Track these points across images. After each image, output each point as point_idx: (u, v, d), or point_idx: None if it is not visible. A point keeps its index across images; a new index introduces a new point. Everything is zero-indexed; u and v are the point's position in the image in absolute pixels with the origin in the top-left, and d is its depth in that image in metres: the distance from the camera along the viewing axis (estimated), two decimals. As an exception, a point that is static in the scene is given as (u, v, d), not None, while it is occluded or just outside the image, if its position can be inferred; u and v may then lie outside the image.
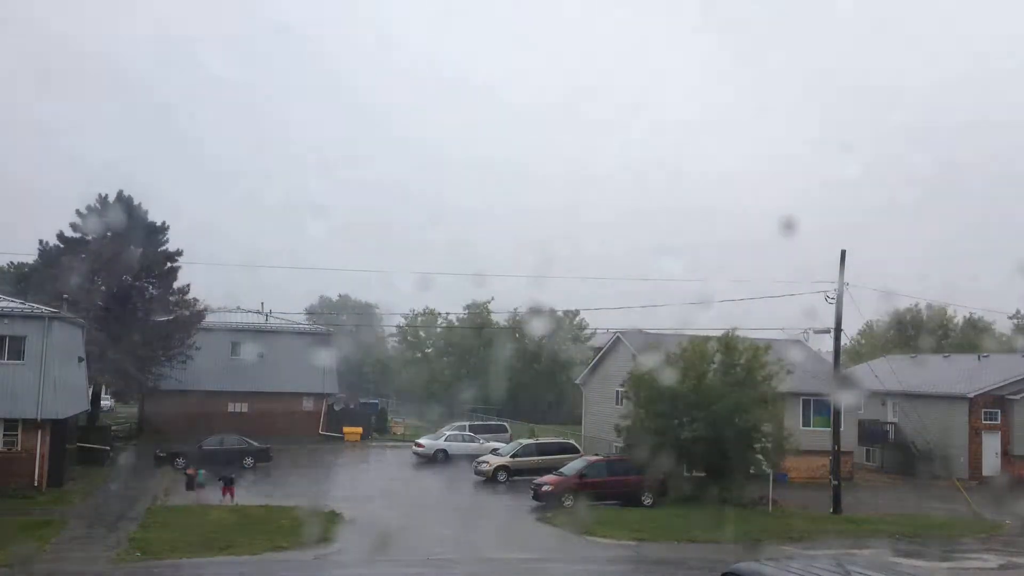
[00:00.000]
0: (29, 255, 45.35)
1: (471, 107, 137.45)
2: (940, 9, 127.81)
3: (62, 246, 42.24)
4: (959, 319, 71.24)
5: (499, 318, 69.95)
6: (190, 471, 30.59)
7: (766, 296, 30.02)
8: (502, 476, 35.49)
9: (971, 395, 40.40)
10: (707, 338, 32.53)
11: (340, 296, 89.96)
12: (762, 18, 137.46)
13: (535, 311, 70.11)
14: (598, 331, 61.66)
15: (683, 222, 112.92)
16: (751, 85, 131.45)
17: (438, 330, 78.45)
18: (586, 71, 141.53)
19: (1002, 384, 40.63)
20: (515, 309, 71.61)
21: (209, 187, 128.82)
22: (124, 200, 43.63)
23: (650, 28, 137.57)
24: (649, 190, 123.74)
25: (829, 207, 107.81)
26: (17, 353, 29.22)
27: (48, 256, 42.43)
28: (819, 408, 38.01)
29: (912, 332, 69.20)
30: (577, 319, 69.96)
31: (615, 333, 44.90)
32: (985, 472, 39.66)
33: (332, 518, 25.09)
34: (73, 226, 42.51)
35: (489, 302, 68.92)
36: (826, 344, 33.76)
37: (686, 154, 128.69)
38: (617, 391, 35.78)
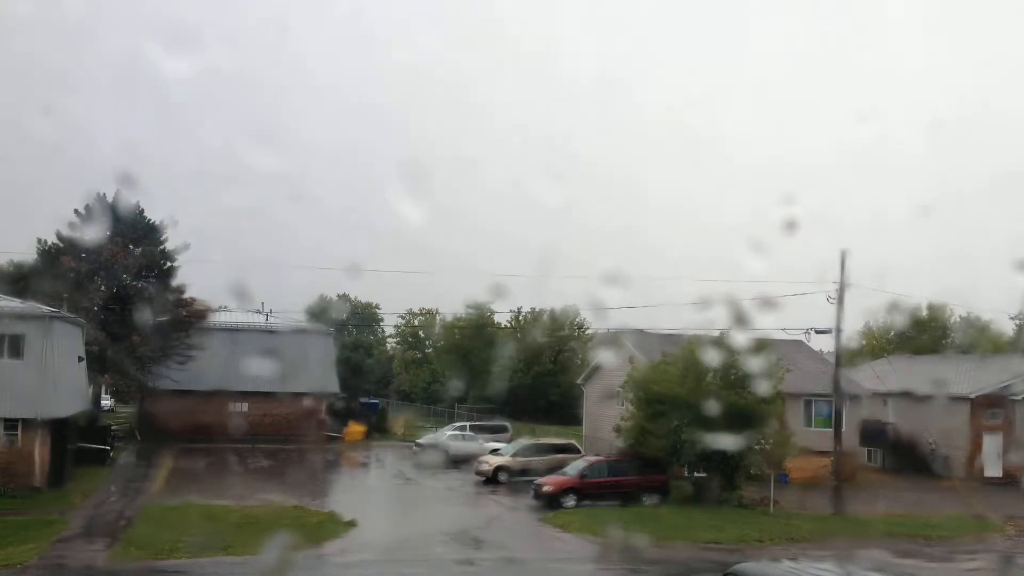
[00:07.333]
0: (28, 254, 45.36)
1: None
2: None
3: (61, 245, 42.24)
4: (958, 319, 71.24)
5: (500, 318, 70.12)
6: None
7: (767, 296, 29.89)
8: (502, 476, 35.38)
9: (972, 395, 40.31)
10: (705, 338, 32.46)
11: (340, 295, 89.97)
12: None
13: (536, 311, 70.62)
14: (599, 331, 61.69)
15: (682, 221, 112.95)
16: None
17: (437, 330, 78.53)
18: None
19: (1003, 384, 40.55)
20: (518, 308, 71.87)
21: (208, 185, 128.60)
22: (122, 199, 43.64)
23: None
24: (645, 188, 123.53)
25: (829, 206, 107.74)
26: (17, 352, 29.13)
27: (47, 255, 42.39)
28: (820, 408, 37.94)
29: (913, 332, 69.11)
30: (577, 318, 70.04)
31: (615, 333, 44.83)
32: (987, 473, 39.58)
33: (332, 518, 25.07)
34: (71, 225, 42.57)
35: (490, 302, 69.05)
36: (828, 344, 33.79)
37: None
38: (618, 391, 35.73)
